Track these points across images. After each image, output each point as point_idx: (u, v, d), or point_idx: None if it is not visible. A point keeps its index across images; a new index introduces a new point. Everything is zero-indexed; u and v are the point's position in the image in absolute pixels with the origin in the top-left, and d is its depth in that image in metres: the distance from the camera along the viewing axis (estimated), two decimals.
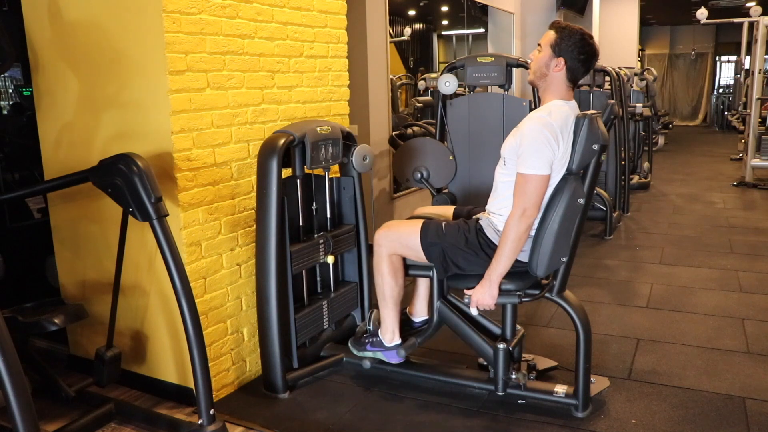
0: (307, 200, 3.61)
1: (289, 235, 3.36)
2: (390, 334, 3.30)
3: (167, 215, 2.82)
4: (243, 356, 3.58)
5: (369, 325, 3.47)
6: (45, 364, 3.29)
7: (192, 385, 2.93)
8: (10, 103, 3.24)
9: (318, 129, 3.44)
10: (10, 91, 3.26)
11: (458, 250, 3.04)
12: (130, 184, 2.78)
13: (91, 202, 3.34)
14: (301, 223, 3.53)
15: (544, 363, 3.48)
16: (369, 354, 3.38)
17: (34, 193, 3.49)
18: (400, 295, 3.25)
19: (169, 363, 3.36)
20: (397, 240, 3.16)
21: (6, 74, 3.29)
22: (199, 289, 3.24)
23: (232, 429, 3.05)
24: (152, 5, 3.00)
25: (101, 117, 3.30)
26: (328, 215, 3.69)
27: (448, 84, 4.68)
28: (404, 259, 3.24)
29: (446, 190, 4.75)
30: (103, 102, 3.28)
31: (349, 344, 3.48)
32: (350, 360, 3.60)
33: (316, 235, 3.57)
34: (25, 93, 3.28)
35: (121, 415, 3.23)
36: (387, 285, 3.21)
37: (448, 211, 3.49)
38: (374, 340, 3.36)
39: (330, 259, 3.60)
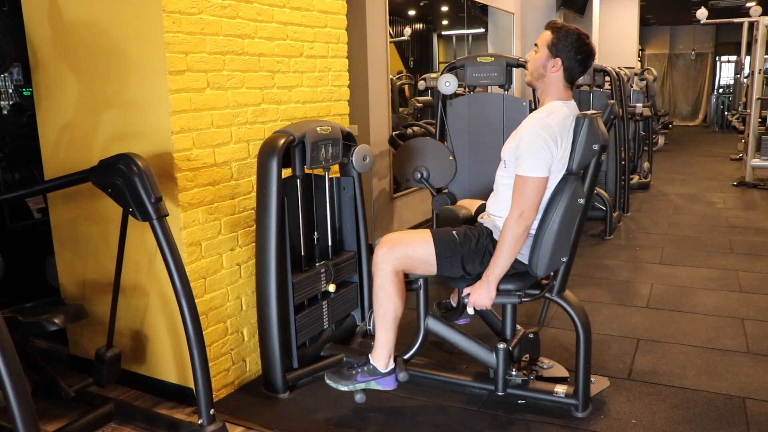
0: (308, 203, 3.61)
1: (289, 257, 3.34)
2: (386, 358, 3.10)
3: (167, 215, 2.84)
4: (243, 356, 3.60)
5: (369, 326, 3.46)
6: (45, 364, 3.30)
7: (192, 385, 2.94)
8: (10, 103, 3.25)
9: (318, 129, 3.45)
10: (10, 91, 3.27)
11: (475, 257, 3.00)
12: (130, 184, 2.79)
13: (91, 202, 3.35)
14: (302, 249, 3.52)
15: (557, 371, 3.43)
16: (361, 386, 3.13)
17: (34, 193, 3.50)
18: (401, 313, 3.07)
19: (169, 363, 3.37)
20: (406, 255, 3.01)
21: (6, 74, 3.31)
22: (199, 289, 3.25)
23: (232, 429, 3.06)
24: (152, 5, 3.01)
25: (101, 117, 3.31)
26: (330, 240, 3.69)
27: (448, 84, 4.69)
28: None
29: (446, 190, 4.75)
30: (103, 102, 3.29)
31: (329, 381, 3.17)
32: (350, 360, 3.50)
33: (317, 264, 3.57)
34: (25, 93, 3.29)
35: (121, 415, 3.24)
36: (392, 305, 3.02)
37: (473, 204, 3.47)
38: (365, 369, 3.13)
39: (331, 288, 3.60)
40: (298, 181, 3.48)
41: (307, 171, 3.49)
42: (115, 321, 3.22)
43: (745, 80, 11.14)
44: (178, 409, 3.27)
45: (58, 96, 3.43)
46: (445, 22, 6.27)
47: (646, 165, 9.31)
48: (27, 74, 3.30)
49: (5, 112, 3.27)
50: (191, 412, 3.21)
